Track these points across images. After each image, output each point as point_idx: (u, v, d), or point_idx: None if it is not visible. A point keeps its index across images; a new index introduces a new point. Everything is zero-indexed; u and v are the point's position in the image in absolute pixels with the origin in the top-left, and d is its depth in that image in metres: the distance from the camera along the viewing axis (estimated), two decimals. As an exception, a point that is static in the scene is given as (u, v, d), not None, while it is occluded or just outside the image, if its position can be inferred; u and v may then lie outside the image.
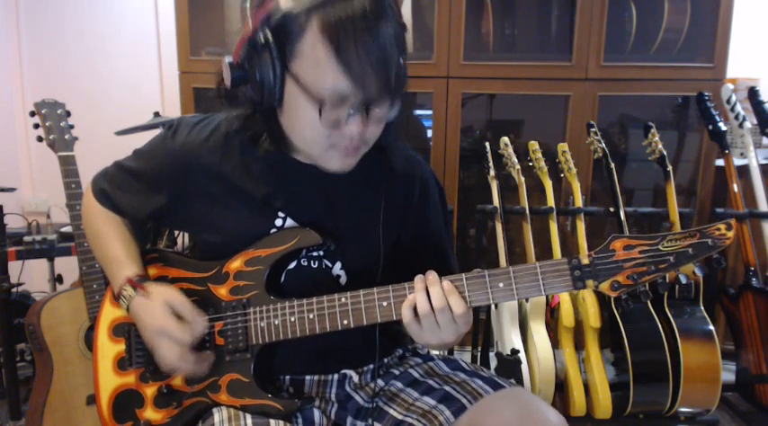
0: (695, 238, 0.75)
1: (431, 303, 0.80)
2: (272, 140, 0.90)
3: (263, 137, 0.91)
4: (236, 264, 0.93)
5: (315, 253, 0.95)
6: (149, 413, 0.96)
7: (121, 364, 1.00)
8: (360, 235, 0.96)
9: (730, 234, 0.74)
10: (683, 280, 0.78)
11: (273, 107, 0.84)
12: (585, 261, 0.78)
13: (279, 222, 0.94)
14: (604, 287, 0.78)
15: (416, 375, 1.01)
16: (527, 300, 2.02)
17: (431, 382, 0.97)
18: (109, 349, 1.01)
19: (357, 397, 1.00)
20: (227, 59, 0.83)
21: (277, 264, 0.92)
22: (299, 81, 0.78)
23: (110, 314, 1.03)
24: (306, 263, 0.95)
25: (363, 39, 0.74)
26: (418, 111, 2.76)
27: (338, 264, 0.96)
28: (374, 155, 0.93)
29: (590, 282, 0.78)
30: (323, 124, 0.80)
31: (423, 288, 0.81)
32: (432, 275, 0.82)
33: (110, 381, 1.00)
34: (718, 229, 0.75)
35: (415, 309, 0.81)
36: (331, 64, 0.75)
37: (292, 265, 0.95)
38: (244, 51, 0.81)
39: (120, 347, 1.00)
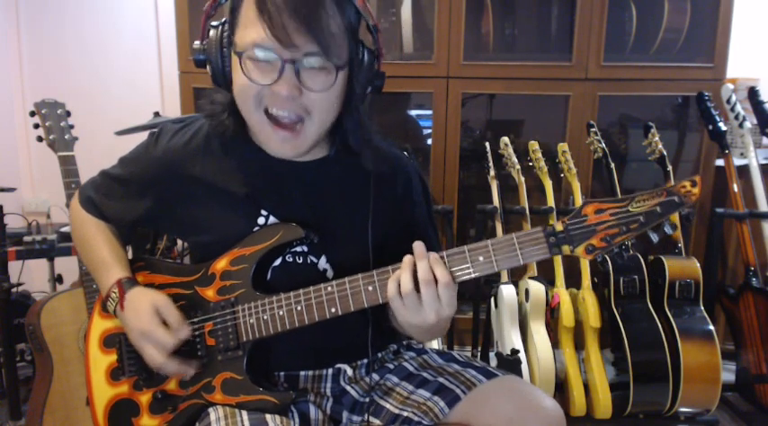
0: (662, 196, 0.77)
1: (416, 282, 0.80)
2: (236, 129, 0.92)
3: (226, 122, 0.92)
4: (221, 265, 0.93)
5: (299, 249, 0.95)
6: (146, 421, 0.97)
7: (114, 374, 1.00)
8: (344, 230, 0.97)
9: (696, 190, 0.76)
10: (654, 239, 0.79)
11: (227, 87, 0.87)
12: (559, 227, 0.80)
13: (261, 220, 0.94)
14: (580, 251, 0.80)
15: (411, 368, 1.01)
16: (527, 300, 2.02)
17: (425, 374, 0.98)
18: (101, 360, 1.01)
19: (352, 392, 1.00)
20: (196, 43, 0.88)
21: (262, 261, 0.92)
22: (236, 43, 0.83)
23: (99, 325, 1.03)
24: (291, 259, 0.96)
25: None
26: (418, 111, 2.77)
27: (323, 258, 0.96)
28: (353, 153, 0.94)
29: (566, 247, 0.80)
30: (245, 75, 0.81)
31: (409, 266, 0.81)
32: (420, 248, 0.82)
33: (104, 392, 1.00)
34: (684, 186, 0.77)
35: (399, 287, 0.81)
36: (253, 17, 0.79)
37: (278, 262, 0.95)
38: (203, 31, 0.87)
39: (112, 358, 1.01)
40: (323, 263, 0.96)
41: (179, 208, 0.97)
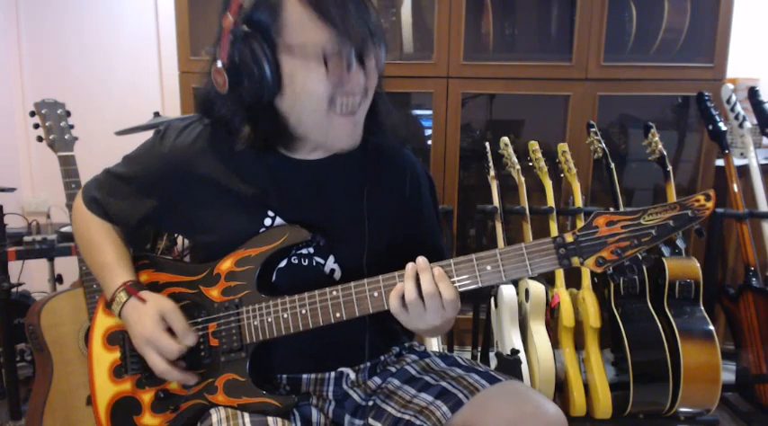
0: (675, 210, 0.76)
1: (419, 290, 0.80)
2: (274, 137, 0.90)
3: (248, 133, 0.89)
4: (226, 265, 0.93)
5: (305, 251, 0.95)
6: (147, 419, 0.97)
7: (117, 372, 1.00)
8: (351, 230, 0.96)
9: (709, 204, 0.76)
10: (666, 253, 0.79)
11: (272, 97, 0.84)
12: (570, 239, 0.79)
13: (268, 221, 0.94)
14: (590, 263, 0.79)
15: (413, 371, 1.01)
16: (527, 300, 2.02)
17: (427, 378, 0.97)
18: (104, 357, 1.01)
19: (354, 395, 1.00)
20: (219, 64, 0.83)
21: (267, 263, 0.92)
22: (294, 48, 0.80)
23: (103, 322, 1.03)
24: (296, 261, 0.96)
25: None
26: (418, 111, 2.76)
27: (331, 259, 0.96)
28: (361, 150, 0.93)
29: (575, 259, 0.79)
30: (330, 76, 0.81)
31: (412, 276, 0.81)
32: (422, 261, 0.82)
33: (106, 390, 1.00)
34: (698, 200, 0.76)
35: (402, 298, 0.82)
36: (306, 17, 0.79)
37: (283, 263, 0.95)
38: (230, 47, 0.82)
39: (115, 355, 1.01)
40: (330, 264, 0.96)
41: (184, 208, 0.96)
